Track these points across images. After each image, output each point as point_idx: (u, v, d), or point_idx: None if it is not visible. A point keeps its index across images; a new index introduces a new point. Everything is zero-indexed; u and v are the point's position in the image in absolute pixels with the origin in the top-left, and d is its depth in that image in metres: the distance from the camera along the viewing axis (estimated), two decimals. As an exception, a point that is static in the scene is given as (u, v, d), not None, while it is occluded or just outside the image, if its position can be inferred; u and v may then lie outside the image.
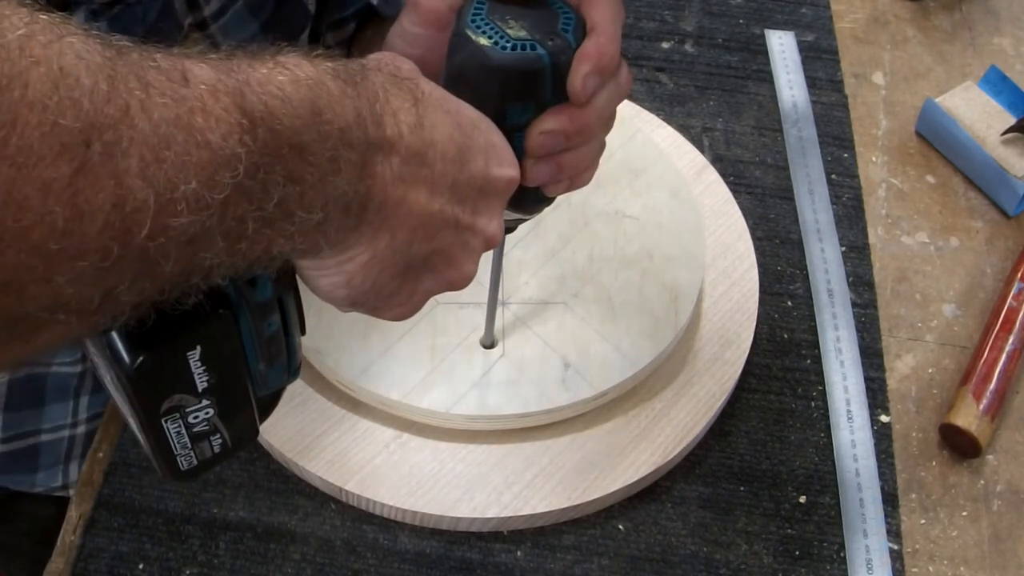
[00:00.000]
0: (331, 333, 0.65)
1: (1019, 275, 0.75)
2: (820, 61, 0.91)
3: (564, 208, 0.73)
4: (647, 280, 0.70)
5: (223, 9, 0.62)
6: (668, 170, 0.76)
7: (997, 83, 0.85)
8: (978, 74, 0.88)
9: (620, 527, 0.63)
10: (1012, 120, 0.82)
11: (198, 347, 0.38)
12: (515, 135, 0.47)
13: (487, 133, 0.44)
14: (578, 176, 0.50)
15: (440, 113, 0.42)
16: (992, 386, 0.68)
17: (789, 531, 0.64)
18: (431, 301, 0.67)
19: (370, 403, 0.64)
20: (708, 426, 0.67)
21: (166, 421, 0.39)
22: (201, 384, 0.39)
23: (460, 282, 0.46)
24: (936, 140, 0.85)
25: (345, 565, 0.61)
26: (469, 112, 0.44)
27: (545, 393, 0.64)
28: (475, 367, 0.65)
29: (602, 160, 0.52)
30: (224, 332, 0.39)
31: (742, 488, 0.66)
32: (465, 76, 0.46)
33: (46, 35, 0.27)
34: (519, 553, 0.62)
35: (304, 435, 0.64)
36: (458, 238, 0.44)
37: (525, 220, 0.54)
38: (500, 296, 0.66)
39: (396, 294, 0.44)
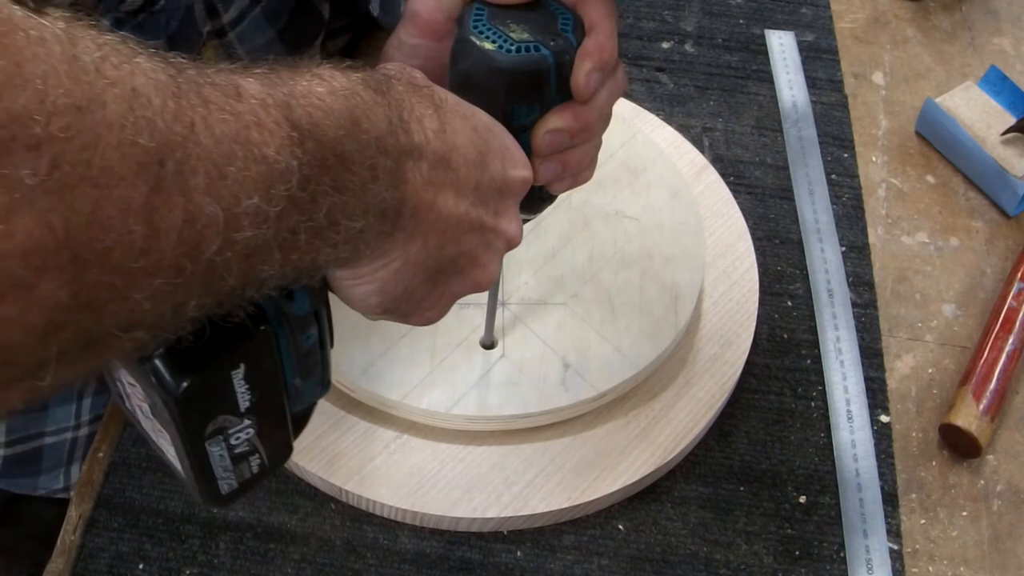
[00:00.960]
0: (331, 333, 0.65)
1: (1019, 275, 0.75)
2: (820, 61, 0.91)
3: (564, 208, 0.73)
4: (647, 280, 0.70)
5: (241, 16, 0.63)
6: (668, 170, 0.76)
7: (997, 83, 0.85)
8: (978, 74, 0.88)
9: (620, 527, 0.63)
10: (1012, 120, 0.82)
11: (242, 365, 0.37)
12: (521, 136, 0.47)
13: (500, 136, 0.46)
14: (580, 174, 0.51)
15: (458, 118, 0.42)
16: (992, 386, 0.68)
17: (789, 531, 0.64)
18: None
19: (370, 403, 0.64)
20: (708, 426, 0.67)
21: (209, 444, 0.38)
22: (243, 403, 0.38)
23: (485, 283, 0.47)
24: (936, 140, 0.85)
25: (345, 565, 0.61)
26: (483, 116, 0.45)
27: (545, 394, 0.64)
28: (475, 367, 0.65)
29: (602, 160, 0.53)
30: (266, 348, 0.38)
31: (742, 488, 0.66)
32: (472, 81, 0.46)
33: (118, 56, 0.27)
34: (519, 553, 0.62)
35: (304, 435, 0.63)
36: (483, 239, 0.45)
37: (528, 220, 0.54)
38: (500, 296, 0.66)
39: (426, 298, 0.45)
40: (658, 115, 0.83)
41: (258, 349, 0.38)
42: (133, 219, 0.27)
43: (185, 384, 0.36)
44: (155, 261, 0.28)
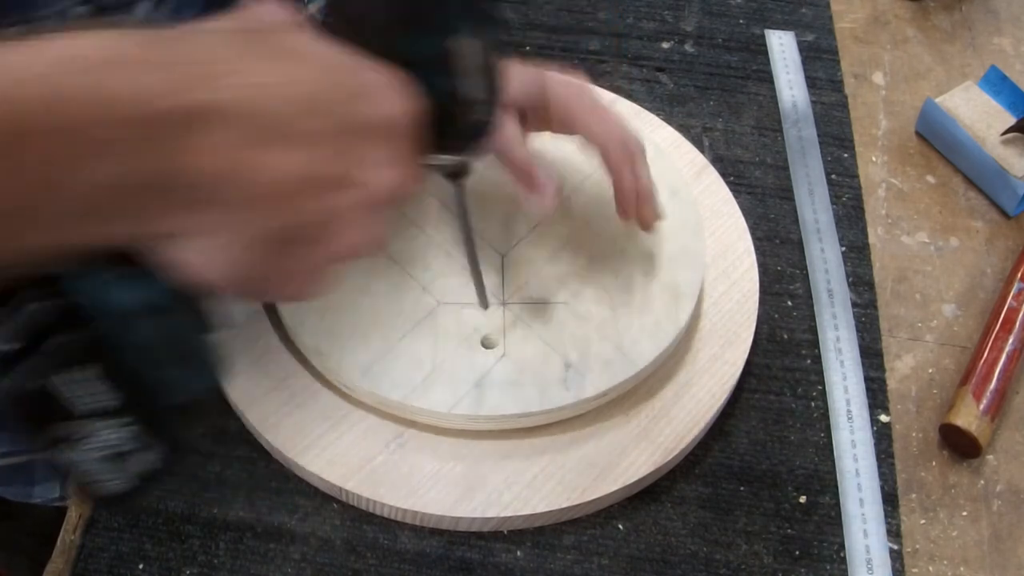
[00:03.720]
0: (332, 333, 0.65)
1: (1019, 275, 0.75)
2: (820, 61, 0.91)
3: (565, 208, 0.73)
4: (648, 280, 0.70)
5: None
6: (668, 170, 0.76)
7: (997, 83, 0.85)
8: (978, 74, 0.88)
9: (620, 527, 0.63)
10: (1012, 120, 0.83)
11: (88, 366, 0.36)
12: (423, 70, 0.41)
13: (360, 74, 0.40)
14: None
15: (297, 62, 0.38)
16: (992, 386, 0.68)
17: (789, 531, 0.64)
18: (432, 300, 0.67)
19: (370, 403, 0.64)
20: (708, 426, 0.67)
21: (54, 454, 0.37)
22: (98, 404, 0.37)
23: (357, 247, 0.41)
24: (936, 140, 0.85)
25: (345, 565, 0.61)
26: (335, 56, 0.40)
27: (546, 393, 0.64)
28: (476, 367, 0.65)
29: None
30: (105, 345, 0.37)
31: (742, 488, 0.66)
32: (345, 8, 0.43)
33: None
34: (519, 553, 0.62)
35: (304, 435, 0.64)
36: (335, 199, 0.39)
37: (465, 162, 0.49)
38: (501, 292, 0.66)
39: (275, 273, 0.40)
40: (658, 115, 0.83)
41: (95, 347, 0.36)
42: None
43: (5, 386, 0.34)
44: None
